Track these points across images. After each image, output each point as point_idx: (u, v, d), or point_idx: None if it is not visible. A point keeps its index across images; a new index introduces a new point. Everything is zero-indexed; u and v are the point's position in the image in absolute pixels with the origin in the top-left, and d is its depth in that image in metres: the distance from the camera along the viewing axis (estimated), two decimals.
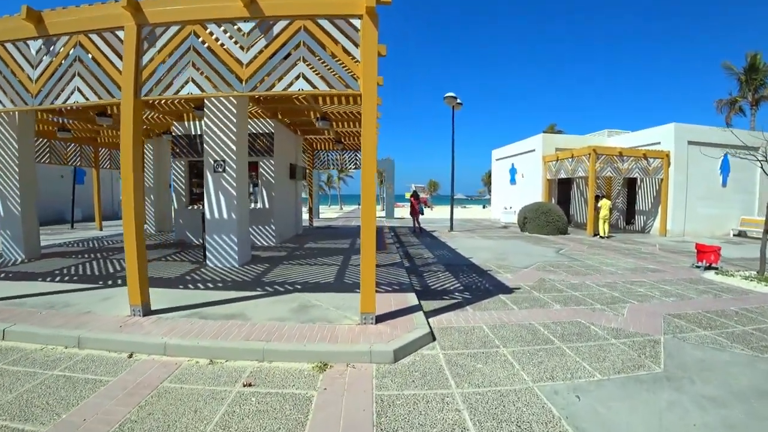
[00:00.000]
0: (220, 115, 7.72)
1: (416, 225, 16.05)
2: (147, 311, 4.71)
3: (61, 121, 11.79)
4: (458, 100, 15.23)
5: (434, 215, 30.26)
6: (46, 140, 14.19)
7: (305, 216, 19.08)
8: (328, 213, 33.22)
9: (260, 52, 4.39)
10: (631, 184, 17.93)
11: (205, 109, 7.83)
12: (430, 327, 4.28)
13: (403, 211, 38.51)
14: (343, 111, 10.03)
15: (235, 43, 4.48)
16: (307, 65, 4.33)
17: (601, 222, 14.04)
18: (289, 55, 4.35)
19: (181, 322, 4.34)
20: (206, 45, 4.53)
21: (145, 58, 4.61)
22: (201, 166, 11.27)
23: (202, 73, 4.57)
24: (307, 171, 16.69)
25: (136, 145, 4.65)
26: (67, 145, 14.89)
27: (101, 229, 15.24)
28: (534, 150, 19.24)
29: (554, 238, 13.39)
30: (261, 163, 10.78)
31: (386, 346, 3.64)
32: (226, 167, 7.71)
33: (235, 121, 7.66)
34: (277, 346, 3.69)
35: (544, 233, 14.51)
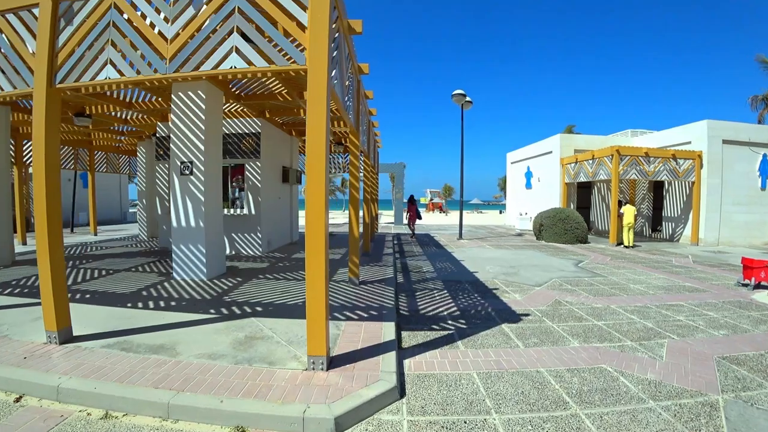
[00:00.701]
0: (188, 111, 6.86)
1: (411, 231, 15.54)
2: (66, 338, 3.86)
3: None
4: (467, 98, 14.14)
5: (447, 221, 29.05)
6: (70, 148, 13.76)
7: (302, 222, 18.24)
8: (340, 218, 32.39)
9: (188, 23, 3.47)
10: (657, 188, 16.46)
11: (171, 105, 7.00)
12: (402, 375, 3.26)
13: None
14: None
15: (159, 14, 3.58)
16: (243, 36, 3.37)
17: (625, 230, 12.69)
18: (221, 25, 3.41)
19: (97, 355, 3.49)
20: (126, 18, 3.65)
21: (61, 39, 3.75)
22: None
23: (124, 56, 3.69)
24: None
25: (51, 142, 3.79)
26: (60, 148, 14.42)
27: (95, 234, 14.85)
28: (551, 152, 17.95)
29: (573, 248, 12.12)
30: (247, 165, 9.93)
31: (327, 409, 2.61)
32: (194, 169, 6.83)
33: (204, 117, 6.79)
34: (187, 400, 2.73)
35: (561, 242, 13.23)
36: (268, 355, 3.53)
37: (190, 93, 6.85)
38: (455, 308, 5.36)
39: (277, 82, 7.62)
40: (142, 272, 7.30)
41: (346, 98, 5.16)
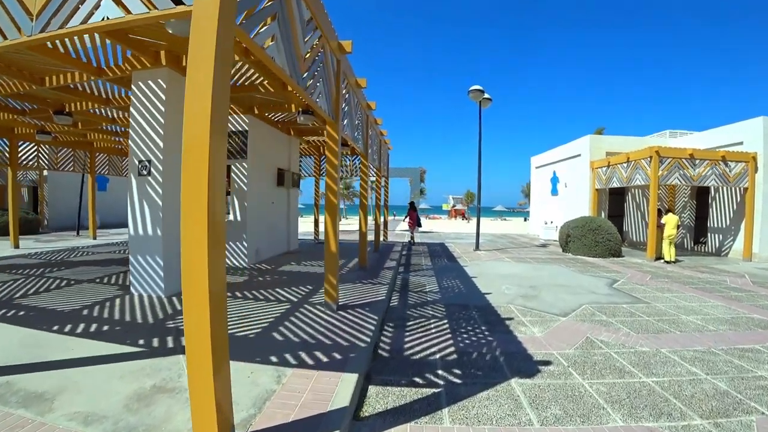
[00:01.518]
0: (147, 103, 5.93)
1: (411, 239, 15.26)
2: None
3: (38, 123, 10.63)
4: (485, 95, 12.84)
5: (467, 229, 27.55)
6: (34, 145, 13.27)
7: (309, 228, 17.28)
8: (354, 224, 31.37)
9: None
10: (700, 195, 14.63)
11: (131, 96, 6.08)
12: None
13: (432, 224, 36.15)
14: None
15: None
16: None
17: (665, 243, 11.05)
18: None
19: None
20: None
21: None
22: None
23: None
24: (314, 178, 14.86)
25: None
26: (58, 150, 13.96)
27: (95, 238, 14.37)
28: (580, 155, 16.35)
29: (605, 263, 10.59)
30: (233, 166, 8.98)
31: None
32: (152, 169, 5.86)
33: (162, 109, 5.83)
34: None
35: (591, 255, 11.69)
36: (161, 424, 2.43)
37: (149, 82, 5.93)
38: (452, 348, 4.10)
39: (254, 71, 6.62)
40: (103, 284, 6.46)
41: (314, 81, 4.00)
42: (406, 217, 15.27)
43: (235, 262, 8.88)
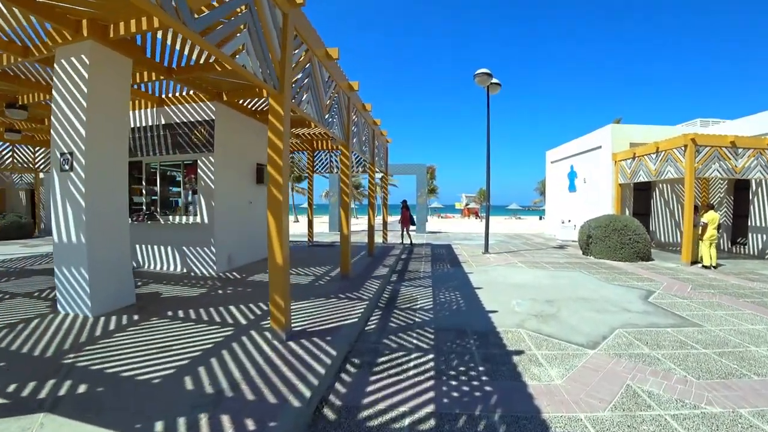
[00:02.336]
0: (68, 81, 4.86)
1: (405, 239, 14.23)
2: None
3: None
4: (494, 80, 11.52)
5: (479, 228, 26.12)
6: (7, 145, 12.49)
7: (303, 230, 16.18)
8: (363, 224, 30.25)
9: None
10: (738, 189, 13.03)
11: (54, 78, 5.01)
12: None
13: (443, 223, 34.66)
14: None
15: None
16: None
17: (705, 245, 9.55)
18: None
19: None
20: None
21: None
22: (140, 166, 8.68)
23: None
24: (306, 175, 13.74)
25: None
26: (35, 149, 13.16)
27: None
28: (600, 147, 14.86)
29: (633, 268, 9.17)
30: (200, 161, 7.91)
31: None
32: (74, 163, 4.78)
33: (85, 90, 4.74)
34: None
35: (617, 259, 10.26)
36: None
37: (72, 59, 4.85)
38: (431, 408, 2.86)
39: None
40: (37, 300, 5.49)
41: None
42: (401, 219, 13.94)
43: (203, 270, 7.80)
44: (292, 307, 4.51)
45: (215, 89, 7.67)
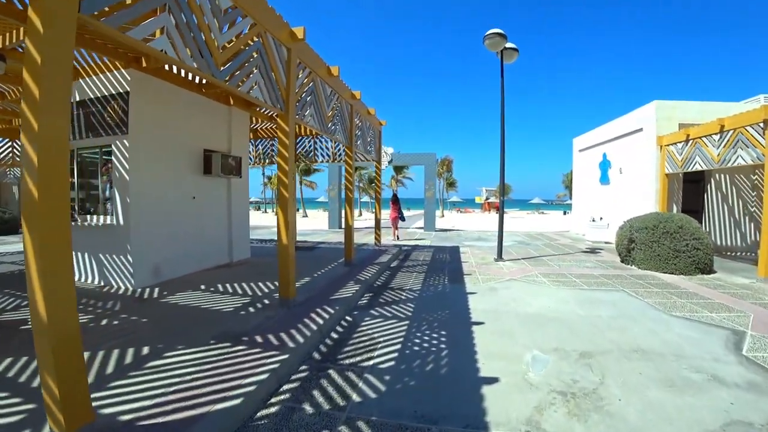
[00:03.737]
0: None
1: (395, 237, 14.44)
2: None
3: None
4: (508, 44, 9.21)
5: (496, 225, 23.69)
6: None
7: (305, 226, 14.21)
8: (367, 220, 28.26)
9: None
10: None
11: None
12: None
13: (460, 219, 32.06)
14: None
15: None
16: None
17: None
18: None
19: None
20: None
21: None
22: (87, 156, 6.89)
23: None
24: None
25: None
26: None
27: None
28: (641, 129, 12.30)
29: (694, 285, 6.81)
30: (115, 147, 6.06)
31: None
32: None
33: None
34: None
35: (668, 270, 7.88)
36: None
37: None
38: None
39: None
40: None
41: None
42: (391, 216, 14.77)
43: (117, 282, 6.00)
44: (148, 365, 2.54)
45: (132, 52, 5.75)
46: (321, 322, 4.47)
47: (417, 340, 4.16)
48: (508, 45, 9.25)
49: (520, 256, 10.31)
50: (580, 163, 18.06)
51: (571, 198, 44.40)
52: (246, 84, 4.28)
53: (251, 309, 4.98)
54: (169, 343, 3.75)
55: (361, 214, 43.38)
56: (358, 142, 8.55)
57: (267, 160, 12.23)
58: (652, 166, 11.53)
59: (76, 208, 6.81)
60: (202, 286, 6.19)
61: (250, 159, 12.36)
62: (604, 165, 15.11)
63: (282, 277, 5.08)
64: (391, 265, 8.73)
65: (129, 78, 5.92)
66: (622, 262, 9.20)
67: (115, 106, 6.04)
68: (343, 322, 4.81)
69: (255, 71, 4.36)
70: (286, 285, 5.06)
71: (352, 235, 8.05)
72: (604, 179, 15.09)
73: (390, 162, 19.01)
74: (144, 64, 6.02)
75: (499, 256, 9.51)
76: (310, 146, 11.53)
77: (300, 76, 5.50)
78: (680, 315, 5.09)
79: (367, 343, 4.12)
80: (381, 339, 4.21)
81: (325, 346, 4.03)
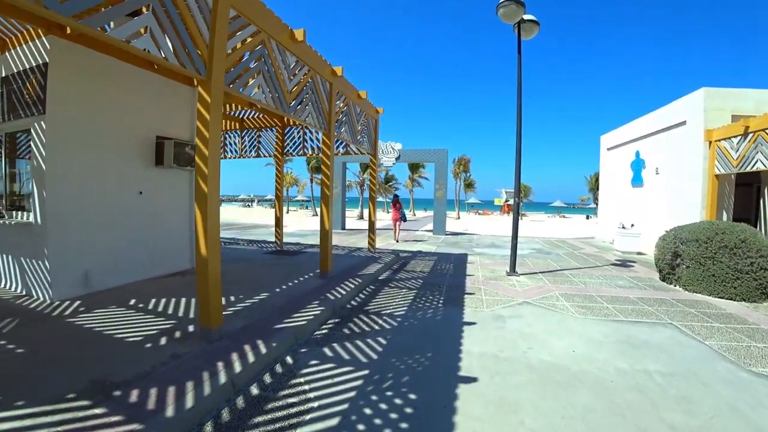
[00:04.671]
0: None
1: (396, 238, 14.09)
2: None
3: None
4: (526, 15, 7.68)
5: (510, 230, 21.96)
6: None
7: (310, 227, 13.10)
8: (380, 221, 26.89)
9: None
10: None
11: None
12: None
13: (477, 222, 30.22)
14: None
15: None
16: None
17: None
18: None
19: None
20: None
21: None
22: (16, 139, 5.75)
23: None
24: (277, 158, 10.49)
25: None
26: None
27: None
28: (684, 122, 10.53)
29: (766, 319, 5.16)
30: (33, 130, 4.87)
31: None
32: None
33: None
34: None
35: (726, 294, 6.21)
36: None
37: None
38: None
39: None
40: None
41: None
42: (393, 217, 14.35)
43: (37, 292, 4.83)
44: None
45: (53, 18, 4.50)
46: (239, 369, 3.13)
47: (368, 411, 2.74)
48: (527, 17, 7.72)
49: (538, 268, 8.74)
50: (609, 163, 16.24)
51: (595, 202, 41.97)
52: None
53: (163, 340, 3.69)
54: (11, 394, 2.51)
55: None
56: (342, 130, 7.17)
57: (253, 153, 10.99)
58: (697, 166, 9.76)
59: (5, 202, 5.72)
60: (132, 301, 4.95)
61: (232, 150, 11.14)
62: (637, 164, 13.32)
63: (202, 302, 3.74)
64: (380, 278, 7.31)
65: (48, 47, 4.72)
66: (662, 280, 7.54)
67: (33, 82, 4.85)
68: (277, 367, 3.44)
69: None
70: (206, 312, 3.71)
71: (330, 241, 6.67)
72: (637, 181, 13.29)
73: (398, 158, 17.60)
74: (68, 31, 4.80)
75: (513, 269, 7.96)
76: (299, 138, 10.21)
77: (239, 34, 4.15)
78: (766, 372, 3.51)
79: (294, 410, 2.73)
80: (316, 404, 2.81)
81: (230, 412, 2.67)
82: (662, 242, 7.59)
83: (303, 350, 3.84)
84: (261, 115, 10.32)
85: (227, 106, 9.50)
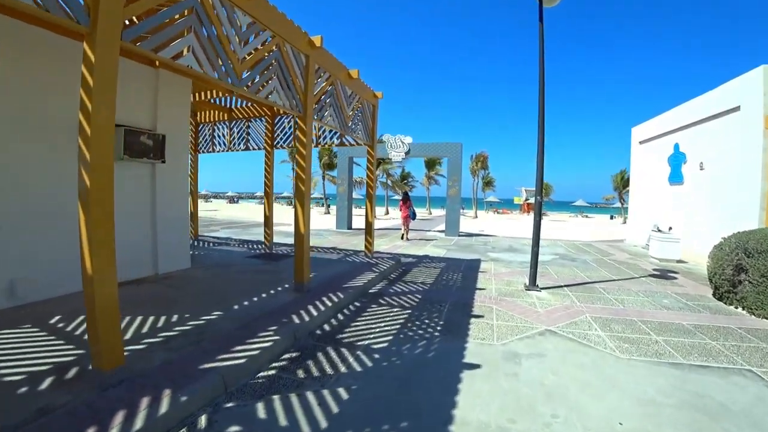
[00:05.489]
0: None
1: (405, 237, 13.74)
2: None
3: None
4: None
5: (529, 231, 20.50)
6: None
7: (320, 225, 12.09)
8: (393, 219, 25.77)
9: None
10: None
11: None
12: None
13: (495, 221, 28.56)
14: None
15: None
16: None
17: None
18: None
19: None
20: None
21: None
22: None
23: None
24: (266, 150, 9.42)
25: None
26: None
27: None
28: (737, 108, 8.98)
29: None
30: None
31: None
32: None
33: None
34: None
35: None
36: None
37: None
38: None
39: None
40: None
41: None
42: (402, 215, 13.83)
43: None
44: None
45: None
46: None
47: None
48: None
49: (563, 280, 7.41)
50: (641, 158, 14.63)
51: (621, 201, 39.68)
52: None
53: (46, 382, 2.66)
54: None
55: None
56: (325, 114, 6.01)
57: (242, 145, 9.96)
58: (754, 159, 8.24)
59: None
60: (55, 318, 3.96)
61: (221, 143, 10.14)
62: (676, 159, 11.74)
63: (91, 335, 2.68)
64: (371, 290, 6.13)
65: None
66: (718, 298, 6.13)
67: None
68: None
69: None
70: (97, 348, 2.68)
71: (306, 245, 5.52)
72: (676, 177, 11.72)
73: (408, 153, 16.37)
74: None
75: (533, 283, 6.66)
76: (289, 128, 9.11)
77: None
78: None
79: None
80: None
81: None
82: (719, 252, 6.17)
83: (229, 405, 2.72)
84: (250, 104, 9.29)
85: (211, 92, 8.47)
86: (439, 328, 4.48)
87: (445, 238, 14.92)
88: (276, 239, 11.92)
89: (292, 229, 16.82)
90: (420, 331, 4.34)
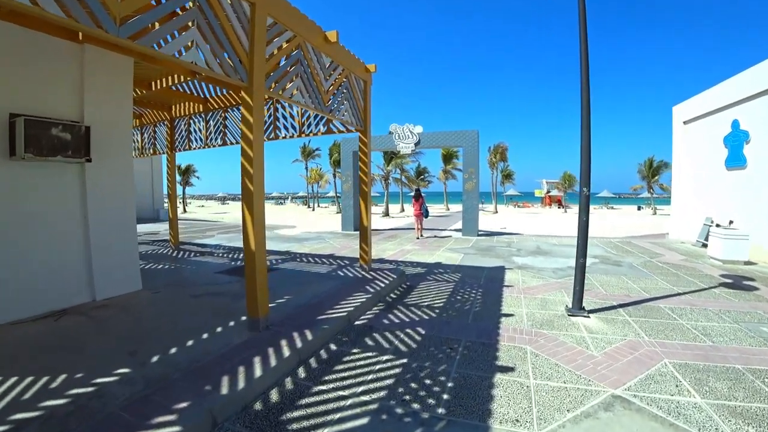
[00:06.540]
0: None
1: (419, 234, 13.27)
2: None
3: None
4: None
5: (561, 226, 18.69)
6: None
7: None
8: (407, 217, 24.23)
9: None
10: None
11: None
12: None
13: (518, 216, 26.56)
14: None
15: None
16: None
17: None
18: None
19: None
20: None
21: None
22: None
23: None
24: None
25: None
26: None
27: None
28: None
29: None
30: None
31: None
32: None
33: None
34: None
35: None
36: None
37: None
38: None
39: None
40: None
41: None
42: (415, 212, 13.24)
43: None
44: None
45: None
46: None
47: None
48: None
49: (613, 295, 5.75)
50: (686, 140, 12.66)
51: (649, 191, 36.96)
52: None
53: None
54: None
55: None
56: (288, 86, 4.51)
57: (219, 140, 8.60)
58: None
59: None
60: None
61: (197, 139, 8.80)
62: (736, 138, 9.83)
63: None
64: (356, 323, 4.61)
65: None
66: None
67: None
68: None
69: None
70: None
71: (261, 266, 4.04)
72: (735, 161, 9.80)
73: (417, 144, 14.81)
74: None
75: (578, 306, 5.02)
76: (268, 117, 7.66)
77: None
78: None
79: None
80: None
81: None
82: None
83: None
84: (226, 92, 7.92)
85: (175, 77, 7.08)
86: (445, 396, 2.93)
87: (462, 238, 13.27)
88: (272, 246, 10.55)
89: (294, 232, 15.42)
90: (415, 404, 2.80)
